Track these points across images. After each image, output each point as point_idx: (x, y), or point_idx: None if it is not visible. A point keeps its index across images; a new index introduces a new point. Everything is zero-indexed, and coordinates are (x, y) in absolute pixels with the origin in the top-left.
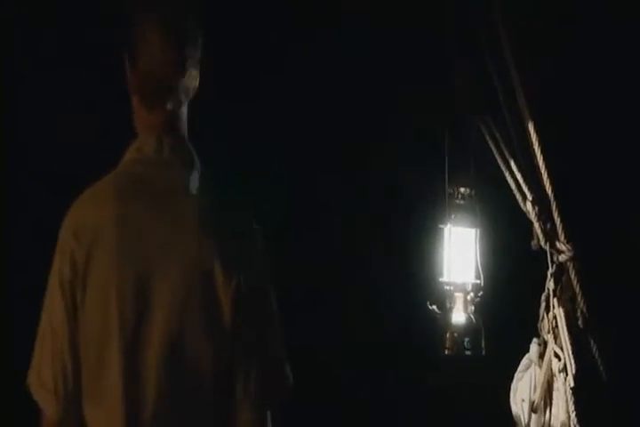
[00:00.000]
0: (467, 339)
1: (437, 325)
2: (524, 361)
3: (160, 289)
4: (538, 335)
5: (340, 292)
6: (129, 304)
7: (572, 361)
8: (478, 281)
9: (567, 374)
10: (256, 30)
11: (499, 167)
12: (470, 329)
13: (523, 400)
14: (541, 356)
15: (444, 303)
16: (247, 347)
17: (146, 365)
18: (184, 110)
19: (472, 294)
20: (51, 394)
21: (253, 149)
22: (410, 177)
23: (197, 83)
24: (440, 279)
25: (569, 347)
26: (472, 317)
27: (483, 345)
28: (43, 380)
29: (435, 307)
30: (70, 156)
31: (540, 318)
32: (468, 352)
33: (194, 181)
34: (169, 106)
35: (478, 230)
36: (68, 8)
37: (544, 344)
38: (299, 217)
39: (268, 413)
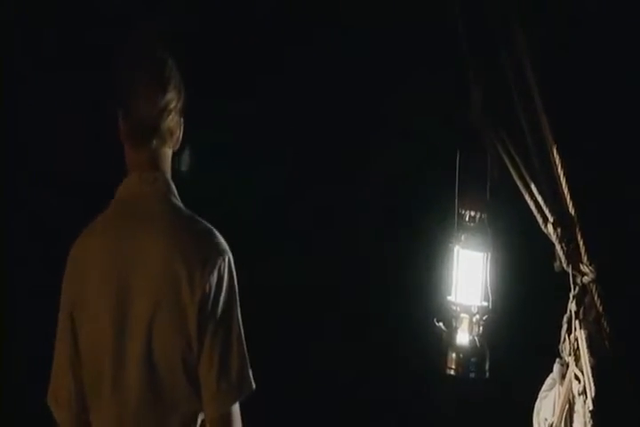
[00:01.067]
0: (472, 360)
1: (442, 343)
2: (549, 380)
3: (138, 303)
4: (552, 357)
5: (350, 306)
6: (114, 320)
7: (592, 384)
8: (485, 304)
9: (587, 397)
10: (257, 30)
11: (515, 190)
12: (475, 351)
13: (546, 420)
14: (564, 376)
15: (450, 322)
16: (210, 352)
17: (129, 373)
18: (167, 151)
19: (478, 316)
20: (64, 410)
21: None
22: (423, 193)
23: (181, 131)
24: (448, 298)
25: (589, 370)
26: (476, 339)
27: (486, 368)
28: (57, 400)
29: (441, 324)
30: (70, 155)
31: (562, 339)
32: (471, 375)
33: (168, 211)
34: (153, 145)
35: (489, 254)
36: (67, 8)
37: (565, 366)
38: (308, 231)
39: (234, 410)
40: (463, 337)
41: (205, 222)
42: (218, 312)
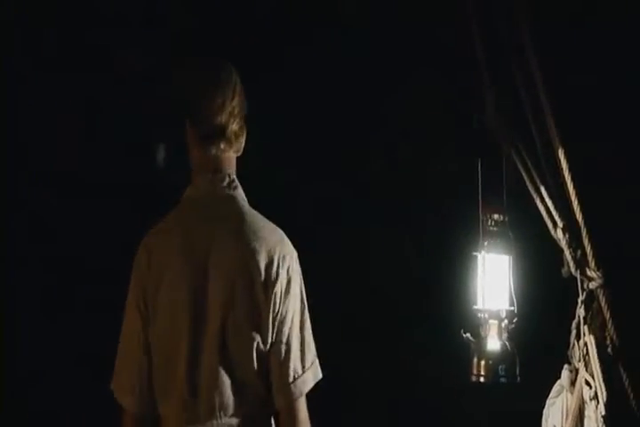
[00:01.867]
0: (501, 366)
1: (470, 352)
2: (556, 387)
3: (213, 298)
4: (569, 362)
5: (375, 318)
6: (191, 313)
7: (604, 389)
8: (512, 308)
9: (598, 402)
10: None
11: (530, 194)
12: (505, 356)
13: (554, 426)
14: (573, 383)
15: (478, 331)
16: (286, 344)
17: (203, 362)
18: (233, 155)
19: (506, 320)
20: (129, 394)
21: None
22: (444, 205)
23: (244, 137)
24: (474, 307)
25: (600, 375)
26: (507, 344)
27: (517, 372)
28: (122, 383)
29: (468, 335)
30: (70, 156)
31: (571, 345)
32: (502, 379)
33: (239, 211)
34: (221, 148)
35: (512, 257)
36: (67, 8)
37: (575, 371)
38: (334, 242)
39: (301, 400)
40: (494, 343)
41: (271, 222)
42: (291, 307)
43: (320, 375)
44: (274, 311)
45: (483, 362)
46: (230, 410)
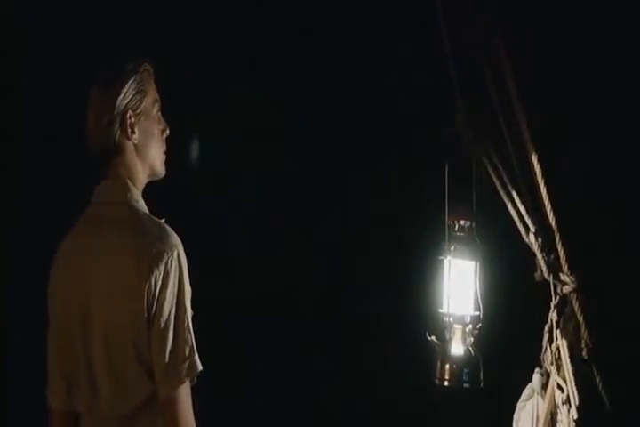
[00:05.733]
0: (465, 371)
1: (435, 355)
2: (527, 391)
3: (96, 296)
4: (541, 366)
5: (341, 321)
6: (79, 312)
7: (576, 393)
8: (477, 313)
9: (570, 406)
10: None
11: (500, 198)
12: (469, 361)
13: None
14: (544, 386)
15: (442, 334)
16: (160, 338)
17: (94, 359)
18: (130, 158)
19: (471, 325)
20: (48, 389)
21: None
22: (410, 207)
23: (144, 133)
24: (439, 310)
25: (572, 379)
26: (470, 349)
27: (481, 377)
28: (49, 390)
29: (434, 338)
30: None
31: (543, 349)
32: (466, 384)
33: (125, 214)
34: (112, 157)
35: (479, 263)
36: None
37: (547, 375)
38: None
39: (179, 391)
40: (457, 348)
41: (158, 220)
42: (166, 302)
43: (199, 368)
44: (149, 305)
45: (447, 366)
46: (125, 402)
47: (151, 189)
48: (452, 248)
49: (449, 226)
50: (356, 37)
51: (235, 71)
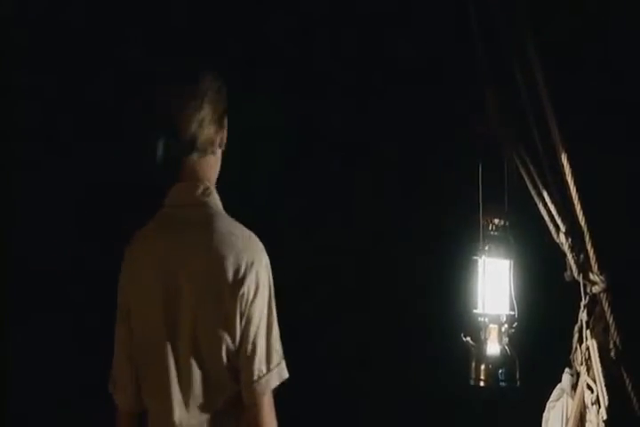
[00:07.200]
0: (501, 370)
1: (471, 356)
2: (556, 391)
3: (185, 300)
4: (570, 366)
5: (374, 319)
6: (165, 317)
7: (605, 393)
8: (512, 312)
9: (600, 407)
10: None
11: (532, 198)
12: (505, 361)
13: None
14: (574, 387)
15: (478, 335)
16: (252, 344)
17: (181, 364)
18: (209, 159)
19: (506, 325)
20: (119, 391)
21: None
22: (446, 208)
23: (224, 134)
24: (474, 311)
25: (602, 379)
26: (507, 348)
27: (517, 377)
28: (114, 381)
29: (469, 338)
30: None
31: (573, 349)
32: (502, 384)
33: (210, 217)
34: (194, 158)
35: (512, 262)
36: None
37: (577, 375)
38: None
39: (266, 398)
40: (493, 348)
41: (244, 227)
42: (257, 311)
43: (286, 375)
44: (241, 314)
45: (482, 366)
46: (209, 406)
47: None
48: (487, 248)
49: (482, 225)
50: (356, 37)
51: (235, 71)
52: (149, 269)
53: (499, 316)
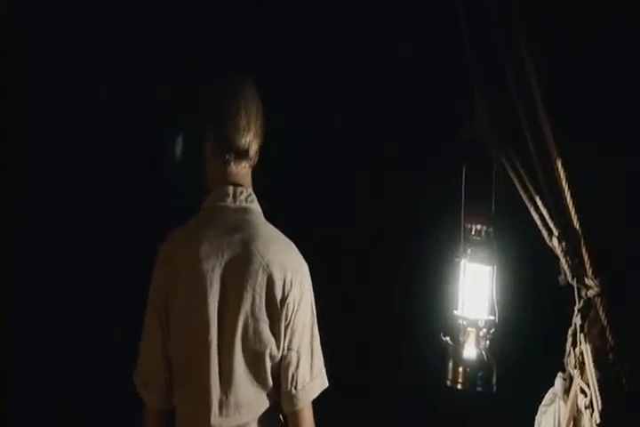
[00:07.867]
0: (479, 374)
1: (447, 356)
2: (549, 395)
3: (234, 303)
4: (561, 370)
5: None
6: (210, 321)
7: (599, 397)
8: (492, 318)
9: (593, 411)
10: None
11: (521, 203)
12: (482, 365)
13: None
14: (567, 391)
15: (457, 336)
16: (297, 352)
17: (224, 368)
18: (249, 170)
19: (485, 330)
20: (154, 393)
21: None
22: (429, 206)
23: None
24: (454, 312)
25: (595, 383)
26: (484, 353)
27: (494, 382)
28: (145, 381)
29: (448, 338)
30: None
31: (567, 353)
32: (479, 388)
33: (258, 222)
34: (242, 165)
35: (495, 267)
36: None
37: (570, 379)
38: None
39: (308, 407)
40: (470, 351)
41: (286, 237)
42: (302, 320)
43: (326, 384)
44: (286, 323)
45: (460, 369)
46: (247, 411)
47: (151, 190)
48: (469, 252)
49: (465, 229)
50: (356, 37)
51: (235, 71)
52: (193, 269)
53: (477, 320)
